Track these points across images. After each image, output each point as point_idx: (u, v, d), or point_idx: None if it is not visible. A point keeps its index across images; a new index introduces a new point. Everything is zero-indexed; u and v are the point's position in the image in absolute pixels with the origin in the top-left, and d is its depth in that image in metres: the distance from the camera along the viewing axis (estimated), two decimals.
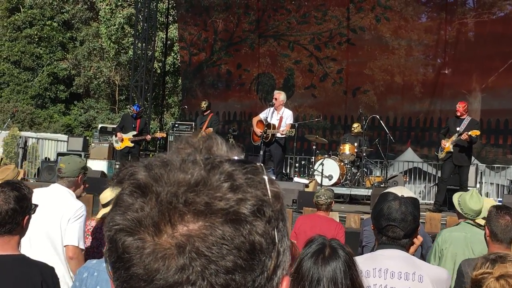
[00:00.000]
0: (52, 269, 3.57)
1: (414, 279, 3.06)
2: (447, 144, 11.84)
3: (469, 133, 11.40)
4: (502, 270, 2.49)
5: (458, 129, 11.82)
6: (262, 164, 0.92)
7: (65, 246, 5.16)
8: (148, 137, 15.17)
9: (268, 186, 0.88)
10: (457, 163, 11.98)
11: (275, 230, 0.87)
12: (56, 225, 5.12)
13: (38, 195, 5.31)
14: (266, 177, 0.90)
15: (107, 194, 5.67)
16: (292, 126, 12.90)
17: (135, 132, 14.87)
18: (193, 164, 0.87)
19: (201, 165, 0.87)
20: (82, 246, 5.23)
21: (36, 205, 3.60)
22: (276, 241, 0.87)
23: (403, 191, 3.27)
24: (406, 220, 3.13)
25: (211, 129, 14.48)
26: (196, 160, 0.88)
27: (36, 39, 34.76)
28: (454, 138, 11.76)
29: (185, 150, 0.92)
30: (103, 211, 5.84)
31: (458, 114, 12.01)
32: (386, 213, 3.15)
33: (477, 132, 11.57)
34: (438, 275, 3.19)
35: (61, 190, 5.29)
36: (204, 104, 15.13)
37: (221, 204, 0.83)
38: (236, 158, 0.91)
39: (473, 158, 16.76)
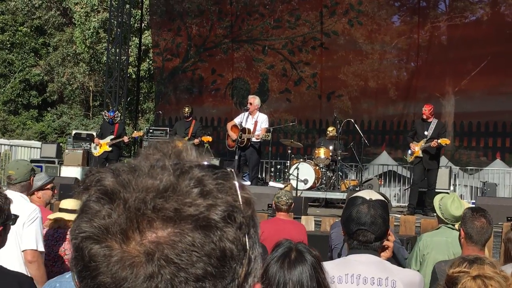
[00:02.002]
0: (30, 279, 3.50)
1: (387, 285, 3.06)
2: (417, 149, 11.96)
3: (439, 141, 11.54)
4: (480, 271, 2.49)
5: (426, 133, 11.94)
6: (232, 170, 0.90)
7: (23, 251, 5.08)
8: (126, 138, 15.05)
9: (239, 192, 0.87)
10: (427, 166, 12.12)
11: (246, 236, 0.86)
12: (12, 232, 5.05)
13: None
14: (236, 183, 0.88)
15: (69, 202, 5.62)
16: (268, 130, 12.92)
17: (112, 136, 14.81)
18: (162, 169, 0.85)
19: (170, 170, 0.85)
20: (41, 249, 5.15)
21: (16, 216, 3.51)
22: (247, 248, 0.86)
23: (371, 194, 3.27)
24: (376, 223, 3.12)
25: (210, 137, 14.27)
26: (165, 165, 0.86)
27: (8, 45, 34.38)
28: (423, 143, 11.88)
29: (154, 155, 0.90)
30: (57, 215, 5.78)
31: (424, 117, 12.13)
32: (356, 217, 3.14)
33: (447, 141, 11.74)
34: (410, 278, 3.19)
35: (15, 196, 5.21)
36: (187, 110, 14.82)
37: (191, 210, 0.81)
38: (206, 163, 0.90)
39: (446, 160, 16.96)
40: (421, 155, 11.96)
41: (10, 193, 5.26)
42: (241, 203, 0.86)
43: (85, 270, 0.82)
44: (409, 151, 12.31)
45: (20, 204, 5.17)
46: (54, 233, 5.87)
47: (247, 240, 0.86)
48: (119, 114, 15.75)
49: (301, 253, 2.62)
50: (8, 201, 3.48)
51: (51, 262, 5.75)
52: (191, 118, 14.86)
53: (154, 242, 0.80)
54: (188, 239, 0.80)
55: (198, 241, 0.80)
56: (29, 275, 3.63)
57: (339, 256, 5.23)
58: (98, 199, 0.84)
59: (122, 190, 0.83)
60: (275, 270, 2.57)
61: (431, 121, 12.06)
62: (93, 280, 0.81)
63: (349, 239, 3.23)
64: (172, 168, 0.85)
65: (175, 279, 0.79)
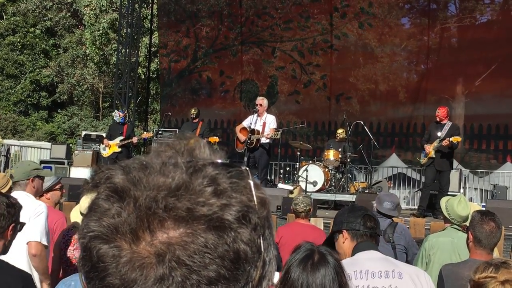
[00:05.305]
0: (30, 276, 3.55)
1: (394, 276, 3.21)
2: (430, 150, 11.92)
3: (451, 139, 11.48)
4: (507, 275, 2.45)
5: (439, 134, 11.91)
6: (247, 168, 0.87)
7: (27, 243, 5.10)
8: (135, 139, 15.05)
9: (253, 191, 0.84)
10: (438, 168, 12.06)
11: (261, 238, 0.82)
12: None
13: None
14: (251, 182, 0.85)
15: (87, 203, 5.59)
16: (276, 129, 12.95)
17: (122, 137, 14.82)
18: (174, 167, 0.82)
19: (182, 168, 0.82)
20: (45, 243, 5.16)
21: (23, 224, 3.59)
22: (262, 250, 0.82)
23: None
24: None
25: (217, 138, 14.26)
26: (178, 163, 0.83)
27: (19, 47, 34.51)
28: (436, 144, 11.84)
29: (166, 153, 0.87)
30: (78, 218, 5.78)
31: (438, 119, 12.10)
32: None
33: (459, 139, 11.66)
34: (416, 272, 3.36)
35: (19, 195, 5.26)
36: (194, 112, 14.91)
37: (204, 209, 0.78)
38: (220, 161, 0.87)
39: (456, 163, 16.90)
40: (433, 156, 11.91)
41: (15, 194, 5.35)
42: (256, 203, 0.83)
43: (93, 271, 0.79)
44: (423, 153, 12.26)
45: (25, 201, 5.22)
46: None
47: (262, 241, 0.82)
48: (128, 115, 15.80)
49: (323, 256, 2.59)
50: (20, 205, 3.59)
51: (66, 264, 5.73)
52: (198, 119, 14.90)
53: (165, 242, 0.77)
54: (200, 240, 0.77)
55: (211, 242, 0.77)
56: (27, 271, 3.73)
57: None
58: (107, 197, 0.81)
59: (132, 188, 0.80)
60: (298, 273, 2.54)
61: (445, 123, 12.03)
62: (101, 281, 0.78)
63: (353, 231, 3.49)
64: (185, 166, 0.82)
65: (187, 282, 0.76)
